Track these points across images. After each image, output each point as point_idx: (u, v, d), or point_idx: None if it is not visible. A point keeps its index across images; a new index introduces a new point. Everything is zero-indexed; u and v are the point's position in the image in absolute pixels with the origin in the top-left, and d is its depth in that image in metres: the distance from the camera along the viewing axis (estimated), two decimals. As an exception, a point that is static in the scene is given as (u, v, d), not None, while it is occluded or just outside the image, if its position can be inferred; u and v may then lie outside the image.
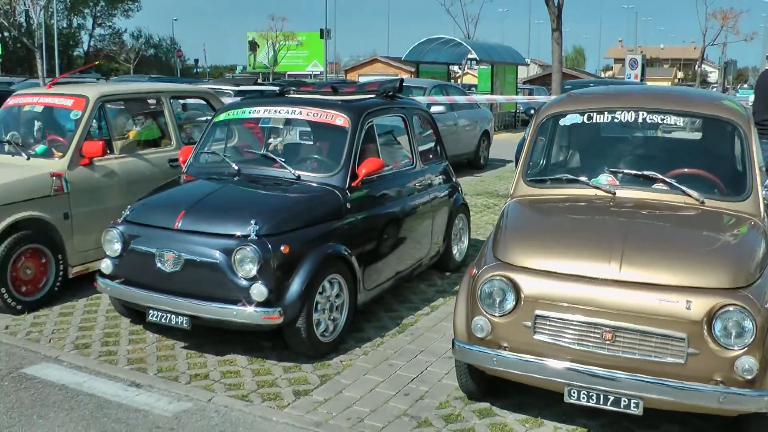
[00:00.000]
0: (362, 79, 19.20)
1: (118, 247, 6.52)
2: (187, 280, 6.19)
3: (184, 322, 6.22)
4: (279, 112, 7.67)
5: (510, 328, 4.94)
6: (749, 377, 4.45)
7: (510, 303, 4.92)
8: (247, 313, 6.00)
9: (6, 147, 8.31)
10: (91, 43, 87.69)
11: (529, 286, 4.89)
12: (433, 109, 15.55)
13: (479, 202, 14.11)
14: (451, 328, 5.58)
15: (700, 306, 4.51)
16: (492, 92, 32.03)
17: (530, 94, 37.70)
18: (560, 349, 4.80)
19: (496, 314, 4.96)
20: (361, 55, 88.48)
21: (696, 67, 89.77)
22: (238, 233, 6.11)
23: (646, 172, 5.93)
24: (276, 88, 8.24)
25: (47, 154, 8.17)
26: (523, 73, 54.97)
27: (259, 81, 20.89)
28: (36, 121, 8.73)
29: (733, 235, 5.39)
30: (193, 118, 11.21)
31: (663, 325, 4.55)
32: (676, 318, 4.52)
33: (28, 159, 8.03)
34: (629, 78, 40.55)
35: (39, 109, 8.69)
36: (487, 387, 5.60)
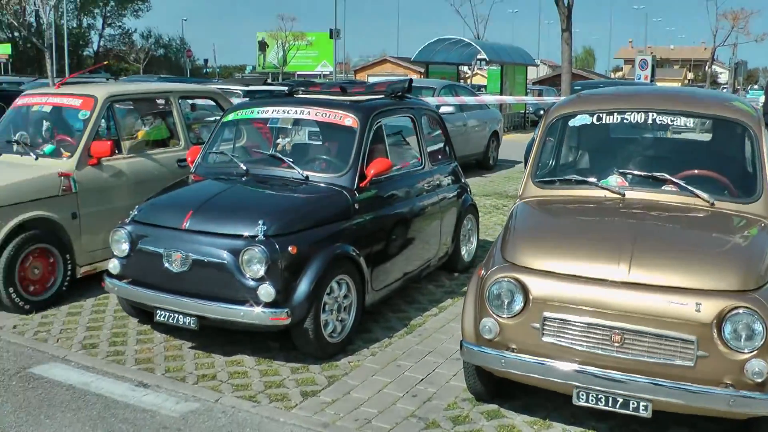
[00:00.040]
0: (371, 80, 19.21)
1: (125, 247, 6.51)
2: (194, 281, 6.18)
3: (192, 322, 6.22)
4: (287, 113, 7.66)
5: (518, 330, 4.92)
6: (759, 380, 4.41)
7: (518, 304, 4.90)
8: (254, 314, 5.99)
9: (14, 147, 8.32)
10: (101, 43, 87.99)
11: (538, 287, 4.86)
12: (443, 109, 15.54)
13: (488, 203, 14.08)
14: (459, 329, 5.55)
15: (709, 308, 4.48)
16: (501, 93, 32.00)
17: (540, 94, 37.67)
18: (568, 351, 4.78)
19: (505, 316, 4.94)
20: (370, 56, 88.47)
21: (706, 67, 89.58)
22: (246, 233, 6.10)
23: (655, 174, 5.90)
24: (285, 89, 8.23)
25: (55, 154, 8.17)
26: (532, 73, 54.94)
27: (269, 81, 20.89)
28: (44, 121, 8.74)
29: (744, 237, 5.35)
30: (202, 118, 11.21)
31: (672, 328, 4.52)
32: (686, 320, 4.50)
33: (37, 159, 8.04)
34: (639, 79, 40.42)
35: (47, 109, 8.70)
36: (495, 388, 5.58)
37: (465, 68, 42.46)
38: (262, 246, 5.94)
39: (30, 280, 7.54)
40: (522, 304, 4.89)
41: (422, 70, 38.31)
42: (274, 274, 5.97)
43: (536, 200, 6.13)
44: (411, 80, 8.49)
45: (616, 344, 4.65)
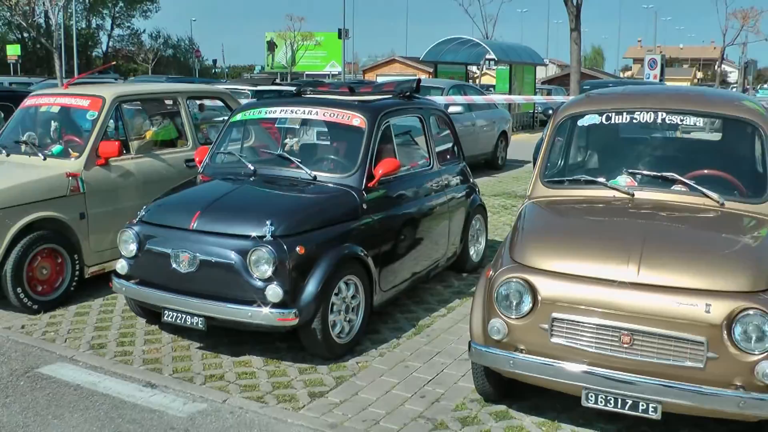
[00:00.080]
0: (380, 79, 19.17)
1: (133, 247, 6.51)
2: (202, 281, 6.17)
3: (200, 322, 6.21)
4: (295, 113, 7.65)
5: (527, 331, 4.90)
6: (770, 382, 4.39)
7: (527, 305, 4.88)
8: (262, 314, 5.98)
9: (23, 147, 8.34)
10: (110, 43, 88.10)
11: (546, 288, 4.84)
12: (451, 109, 15.51)
13: (497, 203, 14.06)
14: (467, 329, 5.54)
15: (719, 309, 4.45)
16: (510, 92, 31.95)
17: (548, 94, 37.55)
18: (577, 352, 4.76)
19: (513, 316, 4.92)
20: (379, 56, 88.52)
21: (716, 67, 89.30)
22: (254, 234, 6.08)
23: (665, 174, 5.88)
24: (293, 89, 8.22)
25: (63, 155, 8.18)
26: (541, 73, 54.83)
27: (277, 81, 20.92)
28: (52, 122, 8.76)
29: (754, 238, 5.32)
30: (210, 119, 11.21)
31: (682, 329, 4.49)
32: (695, 321, 4.47)
33: (45, 159, 8.04)
34: (648, 78, 40.35)
35: (56, 109, 8.71)
36: (503, 389, 5.56)
37: (474, 68, 42.44)
38: (269, 246, 5.93)
39: (38, 281, 7.55)
40: (530, 305, 4.86)
41: (431, 69, 38.29)
42: (282, 275, 5.95)
43: (545, 200, 6.10)
44: (419, 80, 8.47)
45: (626, 345, 4.63)
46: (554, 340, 4.82)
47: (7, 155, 8.31)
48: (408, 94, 8.10)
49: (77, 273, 7.85)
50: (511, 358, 4.95)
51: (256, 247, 5.96)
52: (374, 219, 6.90)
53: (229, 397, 5.69)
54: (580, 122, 6.51)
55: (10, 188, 7.37)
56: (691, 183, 5.74)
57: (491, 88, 36.48)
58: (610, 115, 6.31)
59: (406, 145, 8.39)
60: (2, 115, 10.45)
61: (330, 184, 6.94)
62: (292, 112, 7.66)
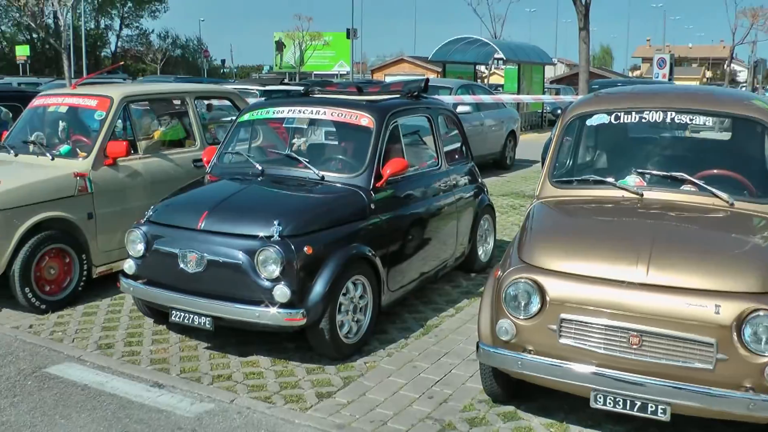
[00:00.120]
0: (388, 79, 19.18)
1: (141, 247, 6.51)
2: (209, 281, 6.16)
3: (207, 322, 6.20)
4: (303, 112, 7.64)
5: (535, 332, 4.88)
6: (780, 384, 4.36)
7: (535, 306, 4.86)
8: (270, 315, 5.97)
9: (31, 147, 8.36)
10: (119, 43, 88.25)
11: (555, 288, 4.82)
12: (459, 109, 15.49)
13: (505, 203, 14.03)
14: (475, 330, 5.52)
15: (729, 310, 4.42)
16: (519, 92, 31.90)
17: (557, 93, 37.51)
18: (586, 353, 4.73)
19: (521, 317, 4.90)
20: (387, 55, 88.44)
21: (725, 66, 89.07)
22: (261, 234, 6.07)
23: (674, 174, 5.85)
24: (301, 88, 8.21)
25: (71, 155, 8.19)
26: (550, 72, 54.75)
27: (285, 81, 20.93)
28: (61, 122, 8.76)
29: (764, 238, 5.28)
30: (218, 119, 11.21)
31: (691, 330, 4.47)
32: (705, 323, 4.44)
33: (53, 159, 8.06)
34: (657, 77, 40.26)
35: (64, 109, 8.71)
36: (512, 390, 5.54)
37: (482, 68, 42.37)
38: (277, 246, 5.92)
39: (46, 280, 7.55)
40: (539, 306, 4.84)
41: (439, 69, 38.26)
42: (290, 275, 5.94)
43: (553, 200, 6.08)
44: (427, 79, 8.45)
45: (634, 346, 4.60)
46: (563, 340, 4.80)
47: (16, 155, 8.33)
48: (416, 93, 8.09)
49: (85, 273, 7.86)
50: (519, 359, 4.93)
51: (264, 247, 5.95)
52: (382, 219, 6.88)
53: (237, 397, 5.68)
54: (589, 122, 6.48)
55: (19, 188, 7.37)
56: (701, 183, 5.71)
57: (500, 88, 36.44)
58: (618, 114, 6.29)
59: (414, 145, 8.37)
60: (11, 115, 10.48)
61: (338, 184, 6.93)
62: (300, 112, 7.66)
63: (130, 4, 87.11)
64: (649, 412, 4.63)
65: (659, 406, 4.58)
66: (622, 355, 4.64)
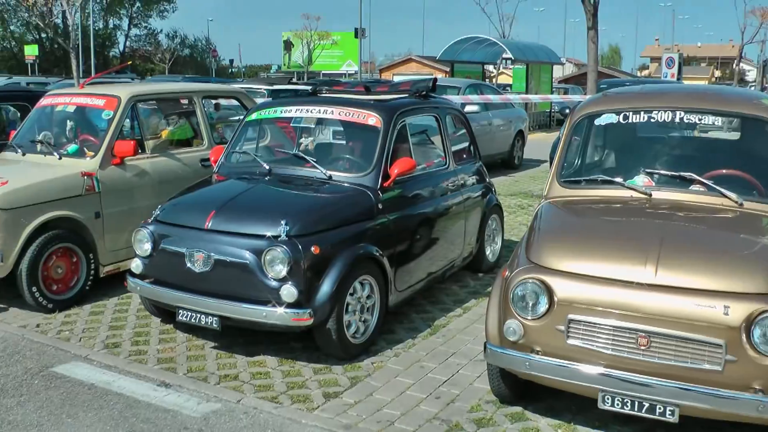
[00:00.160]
0: (397, 79, 19.16)
1: (148, 246, 6.50)
2: (216, 281, 6.16)
3: (214, 322, 6.20)
4: (311, 112, 7.63)
5: (543, 332, 4.86)
6: (790, 386, 4.33)
7: (543, 306, 4.84)
8: (277, 315, 5.96)
9: (38, 146, 8.37)
10: (127, 43, 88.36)
11: (563, 289, 4.80)
12: (467, 108, 15.46)
13: (513, 203, 14.01)
14: (483, 330, 5.50)
15: (738, 311, 4.39)
16: (527, 92, 31.85)
17: (565, 93, 37.42)
18: (594, 354, 4.71)
19: (529, 318, 4.88)
20: (395, 55, 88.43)
21: (734, 65, 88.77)
22: (269, 234, 6.06)
23: (682, 174, 5.83)
24: (308, 88, 8.21)
25: (79, 154, 8.20)
26: (558, 72, 54.64)
27: (293, 80, 20.93)
28: (68, 121, 8.78)
29: (773, 238, 5.25)
30: (226, 118, 11.21)
31: (700, 331, 4.44)
32: (714, 324, 4.42)
33: (60, 158, 8.07)
34: (666, 77, 40.15)
35: (71, 109, 8.72)
36: (519, 391, 5.52)
37: (490, 67, 42.30)
38: (284, 246, 5.91)
39: (53, 280, 7.56)
40: (547, 306, 4.82)
41: (447, 69, 38.22)
42: (297, 275, 5.93)
43: (561, 200, 6.06)
44: (435, 79, 8.43)
45: (643, 347, 4.58)
46: (570, 341, 4.78)
47: (23, 154, 8.34)
48: (424, 93, 8.07)
49: (92, 272, 7.86)
50: (526, 360, 4.91)
51: (271, 247, 5.94)
52: (390, 219, 6.87)
53: (244, 397, 5.67)
54: (597, 121, 6.46)
55: (26, 187, 7.38)
56: (710, 183, 5.68)
57: (508, 88, 36.38)
58: (627, 114, 6.26)
59: (422, 145, 8.36)
60: (18, 114, 10.49)
61: (345, 184, 6.92)
62: (307, 111, 7.64)
63: (138, 4, 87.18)
64: (657, 414, 4.60)
65: (667, 408, 4.56)
66: (630, 356, 4.62)
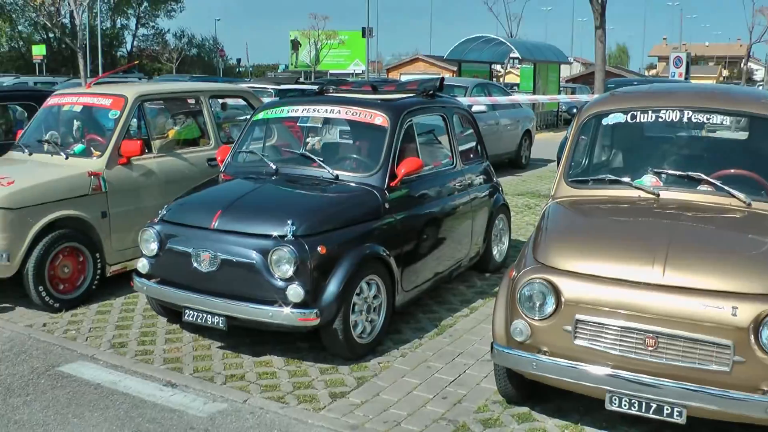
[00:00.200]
0: (404, 78, 19.14)
1: (154, 246, 6.50)
2: (223, 280, 6.15)
3: (221, 322, 6.19)
4: (318, 111, 7.62)
5: (550, 333, 4.84)
6: (798, 387, 4.31)
7: (550, 307, 4.82)
8: (283, 314, 5.95)
9: (45, 146, 8.37)
10: (135, 43, 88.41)
11: (570, 289, 4.78)
12: (475, 108, 15.43)
13: (520, 203, 13.98)
14: (490, 330, 5.49)
15: (746, 312, 4.37)
16: (534, 91, 31.82)
17: (573, 92, 37.38)
18: (601, 354, 4.69)
19: (536, 318, 4.87)
20: (403, 54, 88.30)
21: (742, 64, 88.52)
22: (275, 233, 6.05)
23: (691, 173, 5.80)
24: (315, 87, 8.19)
25: (85, 154, 8.20)
26: (565, 71, 54.62)
27: (300, 80, 20.95)
28: (75, 121, 8.79)
29: (782, 239, 5.23)
30: (233, 117, 11.21)
31: (708, 332, 4.42)
32: (722, 324, 4.39)
33: (67, 158, 8.07)
34: (674, 76, 40.07)
35: (78, 108, 8.73)
36: (526, 391, 5.50)
37: (498, 67, 42.28)
38: (291, 246, 5.90)
39: (60, 279, 7.57)
40: (554, 307, 4.80)
41: (455, 68, 38.16)
42: (303, 275, 5.92)
43: (569, 200, 6.04)
44: (443, 78, 8.41)
45: (650, 348, 4.56)
46: (578, 342, 4.76)
47: (30, 154, 8.35)
48: (431, 92, 8.06)
49: (99, 271, 7.87)
50: (533, 360, 4.90)
51: (278, 247, 5.93)
52: (396, 219, 6.85)
53: (250, 397, 5.66)
54: (605, 121, 6.43)
55: (33, 187, 7.39)
56: (718, 183, 5.66)
57: (515, 87, 36.34)
58: (635, 113, 6.24)
59: (429, 144, 8.34)
60: (26, 114, 10.50)
61: (352, 184, 6.90)
62: (314, 110, 7.63)
63: (146, 4, 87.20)
64: (664, 415, 4.58)
65: (675, 409, 4.54)
66: (637, 357, 4.60)
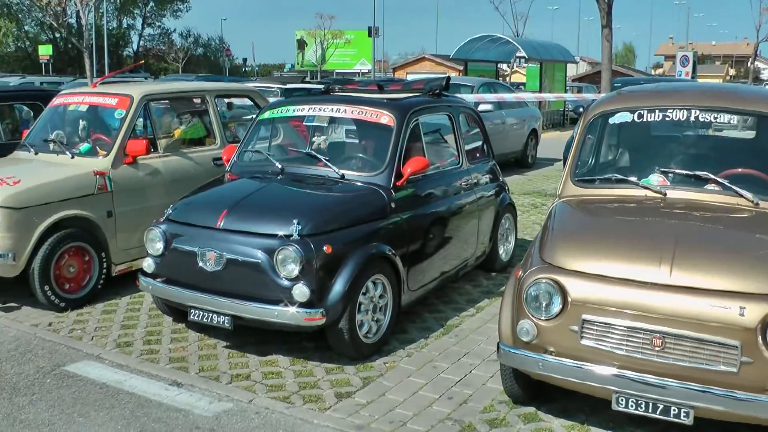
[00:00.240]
0: (410, 77, 19.14)
1: (160, 245, 6.49)
2: (228, 280, 6.14)
3: (226, 321, 6.18)
4: (324, 111, 7.61)
5: (556, 333, 4.82)
6: (806, 388, 4.29)
7: (556, 307, 4.80)
8: (289, 314, 5.94)
9: (51, 146, 8.37)
10: (141, 42, 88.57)
11: (577, 289, 4.76)
12: (481, 107, 15.42)
13: (526, 202, 13.96)
14: (496, 330, 5.48)
15: (754, 312, 4.35)
16: (541, 90, 31.76)
17: (579, 92, 37.30)
18: (608, 354, 4.68)
19: (542, 318, 4.85)
20: (409, 53, 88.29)
21: (749, 63, 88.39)
22: (281, 233, 6.04)
23: (697, 173, 5.78)
24: (321, 87, 8.19)
25: (91, 153, 8.20)
26: (572, 70, 54.56)
27: (306, 79, 20.95)
28: (81, 120, 8.80)
29: (790, 238, 5.20)
30: (238, 117, 11.21)
31: (715, 332, 4.40)
32: (729, 325, 4.37)
33: (73, 158, 8.07)
34: (680, 75, 39.97)
35: (84, 108, 8.73)
36: (532, 391, 5.48)
37: (504, 66, 42.27)
38: (296, 245, 5.89)
39: (65, 278, 7.57)
40: (560, 306, 4.79)
41: (461, 67, 38.16)
42: (309, 274, 5.91)
43: (575, 199, 6.02)
44: (449, 78, 8.40)
45: (657, 348, 4.54)
46: (584, 342, 4.74)
47: (36, 154, 8.35)
48: (437, 92, 8.04)
49: (104, 271, 7.87)
50: (540, 360, 4.88)
51: (283, 246, 5.92)
52: (402, 218, 6.84)
53: (255, 396, 5.66)
54: (611, 120, 6.41)
55: (38, 186, 7.39)
56: (725, 182, 5.64)
57: (521, 86, 36.30)
58: (641, 112, 6.22)
59: (435, 144, 8.33)
60: (32, 114, 10.51)
61: (358, 183, 6.89)
62: (320, 110, 7.63)
63: (152, 4, 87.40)
64: (671, 416, 4.56)
65: (682, 410, 4.52)
66: (644, 357, 4.58)
